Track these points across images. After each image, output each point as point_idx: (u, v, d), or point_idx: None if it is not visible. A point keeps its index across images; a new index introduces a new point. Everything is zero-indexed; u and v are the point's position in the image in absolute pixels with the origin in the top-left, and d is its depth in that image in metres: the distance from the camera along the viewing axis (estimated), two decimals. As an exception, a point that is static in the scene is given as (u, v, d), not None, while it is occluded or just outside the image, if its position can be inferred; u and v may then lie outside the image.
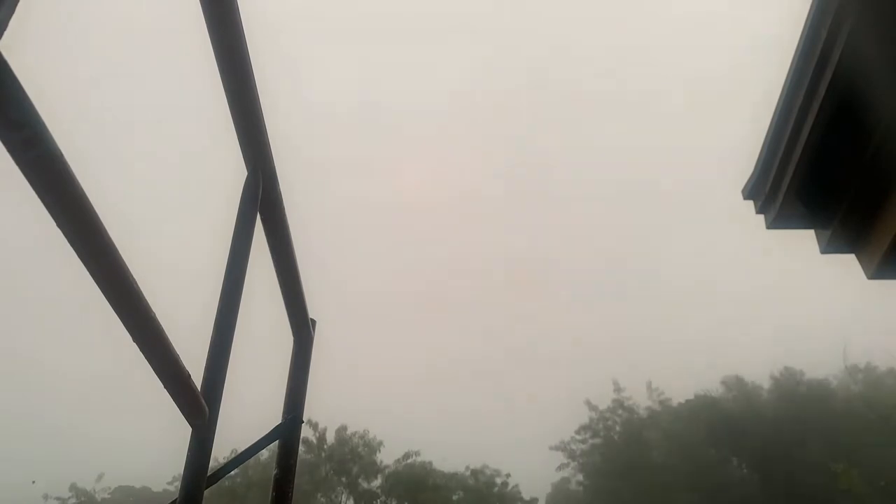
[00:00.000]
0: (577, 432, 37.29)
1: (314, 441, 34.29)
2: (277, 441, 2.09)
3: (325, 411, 33.11)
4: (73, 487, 33.73)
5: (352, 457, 34.77)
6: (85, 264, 1.05)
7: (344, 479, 34.58)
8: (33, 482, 31.75)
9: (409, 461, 35.33)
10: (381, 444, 35.40)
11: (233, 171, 1.76)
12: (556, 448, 37.18)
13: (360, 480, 34.79)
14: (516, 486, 36.50)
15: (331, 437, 35.15)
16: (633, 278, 55.83)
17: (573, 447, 37.36)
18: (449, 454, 35.96)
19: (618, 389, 37.46)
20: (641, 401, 37.51)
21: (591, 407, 37.44)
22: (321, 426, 34.71)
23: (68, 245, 1.02)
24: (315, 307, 2.28)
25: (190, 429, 1.46)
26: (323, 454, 34.34)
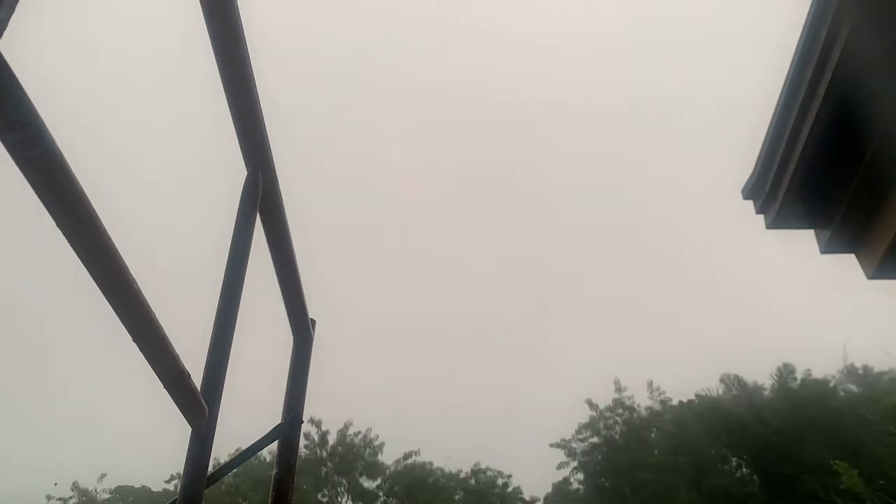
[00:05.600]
0: (578, 431, 37.26)
1: (316, 439, 34.21)
2: (277, 441, 2.10)
3: (324, 410, 33.16)
4: (75, 486, 33.72)
5: (353, 456, 34.68)
6: (85, 264, 1.05)
7: (344, 480, 34.52)
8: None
9: (409, 461, 35.26)
10: (377, 439, 35.22)
11: (233, 171, 1.76)
12: (556, 445, 37.15)
13: (360, 480, 34.73)
14: (517, 487, 36.49)
15: (332, 436, 35.10)
16: (633, 279, 55.86)
17: (573, 446, 37.33)
18: (449, 454, 35.96)
19: (619, 390, 37.45)
20: (642, 400, 37.51)
21: (592, 406, 37.45)
22: (324, 424, 34.65)
23: (68, 245, 1.02)
24: (315, 307, 2.28)
25: (190, 428, 1.46)
26: (325, 453, 34.27)
